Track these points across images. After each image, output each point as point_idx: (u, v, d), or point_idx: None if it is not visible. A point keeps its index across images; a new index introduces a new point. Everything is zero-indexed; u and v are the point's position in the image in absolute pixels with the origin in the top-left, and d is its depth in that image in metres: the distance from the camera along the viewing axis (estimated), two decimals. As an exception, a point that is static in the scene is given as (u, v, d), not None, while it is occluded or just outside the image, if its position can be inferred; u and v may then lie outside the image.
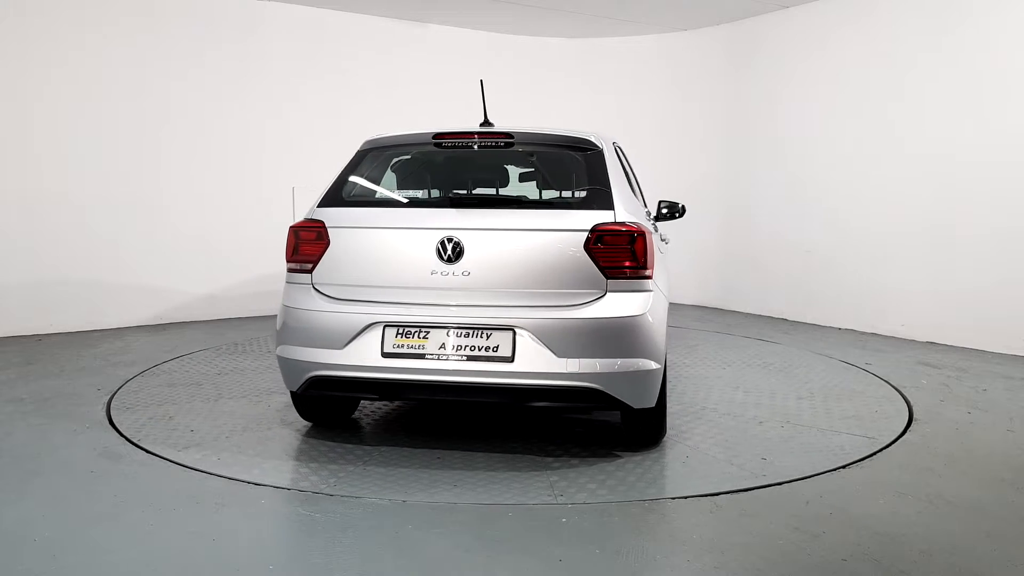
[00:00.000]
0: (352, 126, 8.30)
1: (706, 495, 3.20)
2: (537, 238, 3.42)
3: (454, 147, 3.88)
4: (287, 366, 3.63)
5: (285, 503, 3.13)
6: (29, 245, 6.80)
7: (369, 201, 3.93)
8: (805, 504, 3.12)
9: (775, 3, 7.66)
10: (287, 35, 7.93)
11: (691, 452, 3.76)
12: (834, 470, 3.49)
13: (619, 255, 3.38)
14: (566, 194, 4.21)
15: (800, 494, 3.22)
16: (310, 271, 3.63)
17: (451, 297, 3.43)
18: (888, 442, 3.89)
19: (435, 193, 4.37)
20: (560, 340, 3.30)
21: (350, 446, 3.83)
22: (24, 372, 5.41)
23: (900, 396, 4.79)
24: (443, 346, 3.36)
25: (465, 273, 3.42)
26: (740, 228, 8.52)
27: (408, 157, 4.20)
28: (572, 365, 3.29)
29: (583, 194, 3.70)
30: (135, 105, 7.20)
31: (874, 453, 3.73)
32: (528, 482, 3.36)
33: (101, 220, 7.10)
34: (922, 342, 6.58)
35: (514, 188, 4.38)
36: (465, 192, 4.37)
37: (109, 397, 4.72)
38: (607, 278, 3.37)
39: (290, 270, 3.73)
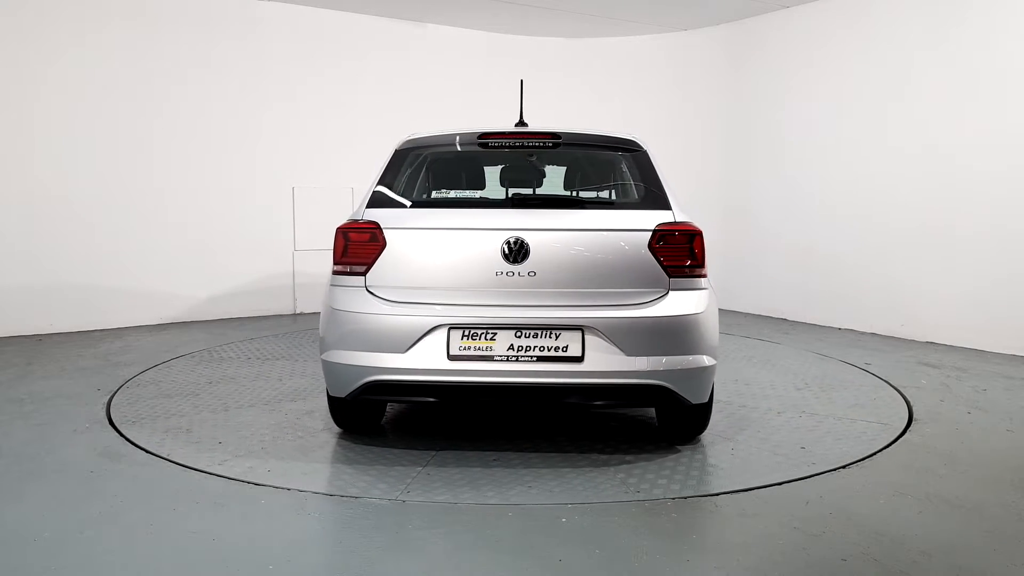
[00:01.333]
0: (352, 126, 8.32)
1: (708, 495, 3.20)
2: (601, 238, 3.46)
3: (500, 147, 3.86)
4: (337, 371, 3.49)
5: (285, 503, 3.13)
6: (29, 245, 6.80)
7: (423, 201, 3.87)
8: (805, 504, 3.12)
9: (775, 3, 7.66)
10: (286, 35, 7.93)
11: (733, 445, 3.83)
12: (834, 470, 3.49)
13: (680, 254, 3.46)
14: (619, 194, 4.16)
15: (800, 494, 3.22)
16: (363, 273, 3.50)
17: (517, 297, 3.41)
18: (888, 442, 3.89)
19: (486, 193, 4.32)
20: (630, 339, 3.34)
21: (399, 451, 3.71)
22: (24, 372, 5.41)
23: (900, 396, 4.79)
24: (511, 347, 3.34)
25: (531, 273, 3.40)
26: (740, 228, 8.51)
27: (450, 157, 4.16)
28: (641, 363, 3.33)
29: (640, 194, 3.76)
30: (134, 105, 7.20)
31: (874, 453, 3.73)
32: (597, 479, 3.37)
33: (101, 220, 7.10)
34: (922, 342, 6.58)
35: (557, 188, 4.38)
36: (525, 192, 4.30)
37: (109, 397, 4.72)
38: (670, 277, 3.44)
39: (338, 272, 3.58)
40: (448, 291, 3.44)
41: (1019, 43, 5.95)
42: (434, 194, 4.05)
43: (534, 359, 3.33)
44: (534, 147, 3.85)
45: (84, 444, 3.85)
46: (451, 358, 3.34)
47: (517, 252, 3.40)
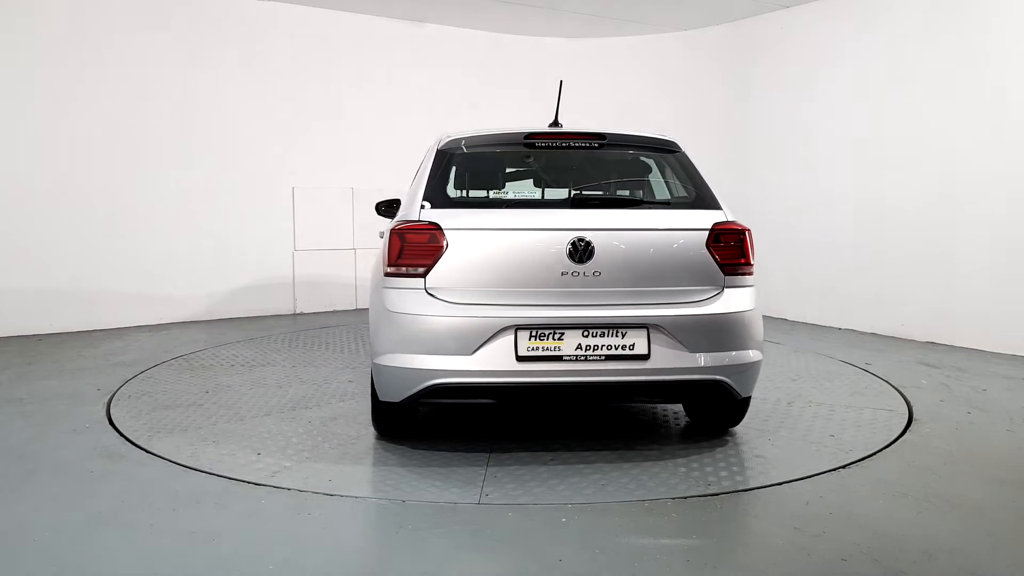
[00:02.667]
0: (352, 126, 8.32)
1: (707, 495, 3.20)
2: (661, 237, 3.54)
3: (546, 147, 3.86)
4: (396, 375, 3.41)
5: (285, 503, 3.13)
6: (29, 246, 6.80)
7: (479, 201, 3.79)
8: (805, 504, 3.12)
9: (775, 3, 7.66)
10: (286, 35, 7.93)
11: (769, 436, 3.93)
12: (834, 470, 3.49)
13: (734, 252, 3.59)
14: (671, 194, 4.13)
15: (800, 494, 3.22)
16: (423, 275, 3.42)
17: (583, 297, 3.43)
18: (888, 442, 3.89)
19: (539, 194, 4.27)
20: (693, 336, 3.43)
21: (448, 453, 3.68)
22: (24, 372, 5.41)
23: (900, 396, 4.79)
24: (579, 346, 3.36)
25: (596, 273, 3.43)
26: (740, 228, 8.50)
27: (495, 156, 4.13)
28: (703, 360, 3.44)
29: (690, 194, 3.83)
30: (133, 105, 7.20)
31: (874, 453, 3.73)
32: (661, 474, 3.43)
33: (100, 220, 7.10)
34: (922, 342, 6.58)
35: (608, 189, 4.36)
36: (591, 192, 4.25)
37: (109, 397, 4.72)
38: (725, 274, 3.55)
39: (392, 275, 3.48)
40: (513, 292, 3.41)
41: (1019, 41, 5.95)
42: (491, 194, 3.98)
43: (602, 358, 3.36)
44: (579, 147, 3.85)
45: (84, 444, 3.85)
46: (520, 359, 3.33)
47: (583, 252, 3.41)
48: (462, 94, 8.87)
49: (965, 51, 6.30)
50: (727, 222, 3.63)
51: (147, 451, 3.73)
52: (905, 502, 3.12)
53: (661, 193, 4.24)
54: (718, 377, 3.46)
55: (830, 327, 7.37)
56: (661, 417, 4.34)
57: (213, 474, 3.42)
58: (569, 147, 3.87)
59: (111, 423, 4.20)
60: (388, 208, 5.52)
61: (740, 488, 3.27)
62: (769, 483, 3.32)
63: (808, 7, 7.59)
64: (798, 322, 7.71)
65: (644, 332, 3.40)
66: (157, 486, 3.30)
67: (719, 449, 3.77)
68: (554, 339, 3.36)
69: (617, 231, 3.49)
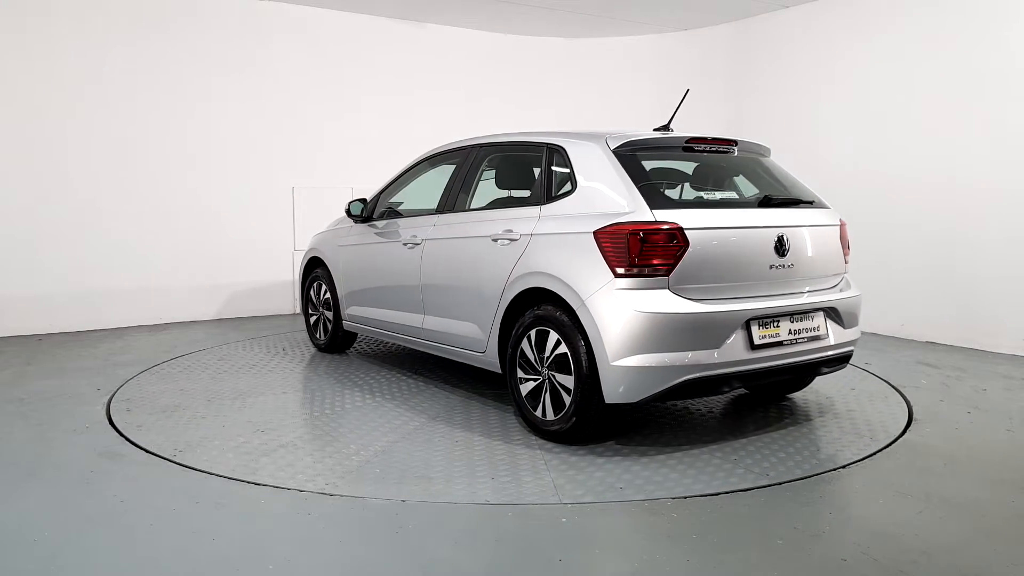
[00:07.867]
0: (351, 126, 8.31)
1: (707, 495, 3.20)
2: (820, 232, 4.06)
3: (702, 151, 4.17)
4: (643, 375, 3.46)
5: (284, 503, 3.13)
6: (29, 246, 6.80)
7: (699, 202, 4.07)
8: (805, 504, 3.12)
9: (775, 3, 7.65)
10: (286, 34, 7.92)
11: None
12: (834, 470, 3.49)
13: (847, 244, 4.24)
14: (800, 193, 4.26)
15: (800, 494, 3.22)
16: (666, 274, 3.52)
17: (785, 287, 3.88)
18: (888, 442, 3.89)
19: (736, 194, 4.36)
20: (845, 315, 4.06)
21: (622, 450, 3.72)
22: (24, 372, 5.41)
23: (900, 396, 4.79)
24: (790, 331, 3.82)
25: (790, 265, 3.86)
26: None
27: (663, 158, 4.34)
28: (850, 334, 4.11)
29: (804, 193, 4.25)
30: (133, 105, 7.19)
31: (874, 453, 3.73)
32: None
33: (101, 220, 7.09)
34: (922, 342, 6.58)
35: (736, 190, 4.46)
36: (779, 196, 4.29)
37: (109, 397, 4.72)
38: (845, 263, 4.21)
39: (631, 275, 3.51)
40: (740, 285, 3.74)
41: (1022, 42, 5.95)
42: (704, 195, 4.23)
43: (805, 339, 3.87)
44: (721, 152, 4.23)
45: (84, 444, 3.85)
46: (754, 347, 3.66)
47: (785, 247, 3.82)
48: (462, 94, 8.87)
49: (968, 49, 6.30)
50: (840, 218, 4.22)
51: (147, 451, 3.73)
52: (905, 502, 3.12)
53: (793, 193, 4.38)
54: (853, 348, 4.15)
55: (830, 327, 7.37)
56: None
57: (213, 474, 3.42)
58: (716, 151, 4.22)
59: (111, 423, 4.20)
60: (359, 209, 5.69)
61: (740, 488, 3.27)
62: (768, 483, 3.32)
63: (808, 7, 7.59)
64: (798, 322, 7.70)
65: (822, 315, 3.97)
66: (157, 486, 3.30)
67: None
68: (774, 327, 3.77)
69: (798, 227, 3.94)
